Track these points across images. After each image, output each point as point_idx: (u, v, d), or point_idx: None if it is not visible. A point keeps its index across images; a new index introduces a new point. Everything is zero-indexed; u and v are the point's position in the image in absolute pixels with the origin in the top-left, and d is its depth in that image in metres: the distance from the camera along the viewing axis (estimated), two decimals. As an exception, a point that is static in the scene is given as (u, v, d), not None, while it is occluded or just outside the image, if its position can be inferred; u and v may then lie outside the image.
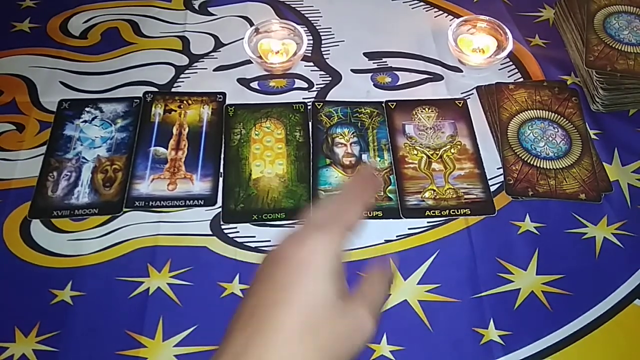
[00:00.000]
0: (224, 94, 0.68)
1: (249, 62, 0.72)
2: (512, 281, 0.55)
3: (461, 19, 0.74)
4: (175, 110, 0.66)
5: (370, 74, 0.71)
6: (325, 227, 0.41)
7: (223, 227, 0.58)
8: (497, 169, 0.63)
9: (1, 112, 0.66)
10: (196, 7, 0.78)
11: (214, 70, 0.71)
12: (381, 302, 0.42)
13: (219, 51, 0.73)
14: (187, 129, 0.65)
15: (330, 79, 0.71)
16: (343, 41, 0.75)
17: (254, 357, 0.34)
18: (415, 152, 0.64)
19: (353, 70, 0.72)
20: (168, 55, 0.73)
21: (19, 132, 0.65)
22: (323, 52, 0.74)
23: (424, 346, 0.51)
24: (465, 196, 0.60)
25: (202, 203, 0.59)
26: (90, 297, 0.53)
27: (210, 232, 0.58)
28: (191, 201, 0.59)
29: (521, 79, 0.71)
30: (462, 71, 0.72)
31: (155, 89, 0.69)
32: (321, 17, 0.78)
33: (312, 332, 0.36)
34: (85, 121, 0.65)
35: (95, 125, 0.65)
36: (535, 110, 0.67)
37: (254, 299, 0.40)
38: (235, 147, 0.64)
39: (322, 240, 0.40)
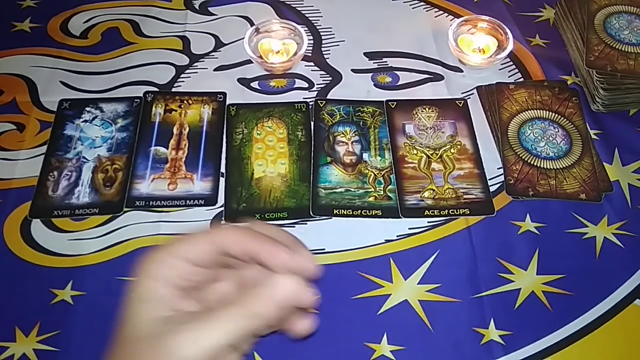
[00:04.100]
0: (224, 94, 0.68)
1: (249, 62, 0.72)
2: (513, 281, 0.55)
3: (461, 18, 0.74)
4: (176, 110, 0.66)
5: (371, 74, 0.71)
6: None
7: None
8: (498, 168, 0.63)
9: (1, 112, 0.66)
10: (196, 7, 0.78)
11: (214, 70, 0.71)
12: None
13: (220, 51, 0.73)
14: (187, 129, 0.65)
15: (330, 78, 0.71)
16: (343, 41, 0.75)
17: None
18: (415, 151, 0.64)
19: (353, 70, 0.72)
20: (168, 55, 0.73)
21: (19, 131, 0.65)
22: (323, 52, 0.74)
23: (424, 346, 0.51)
24: (465, 196, 0.60)
25: (202, 203, 0.59)
26: (90, 296, 0.53)
27: (211, 232, 0.58)
28: (192, 201, 0.59)
29: (521, 79, 0.71)
30: (462, 71, 0.72)
31: (156, 89, 0.69)
32: (321, 17, 0.78)
33: None
34: (85, 121, 0.65)
35: (96, 125, 0.65)
36: (535, 110, 0.67)
37: None
38: (238, 146, 0.64)
39: None
